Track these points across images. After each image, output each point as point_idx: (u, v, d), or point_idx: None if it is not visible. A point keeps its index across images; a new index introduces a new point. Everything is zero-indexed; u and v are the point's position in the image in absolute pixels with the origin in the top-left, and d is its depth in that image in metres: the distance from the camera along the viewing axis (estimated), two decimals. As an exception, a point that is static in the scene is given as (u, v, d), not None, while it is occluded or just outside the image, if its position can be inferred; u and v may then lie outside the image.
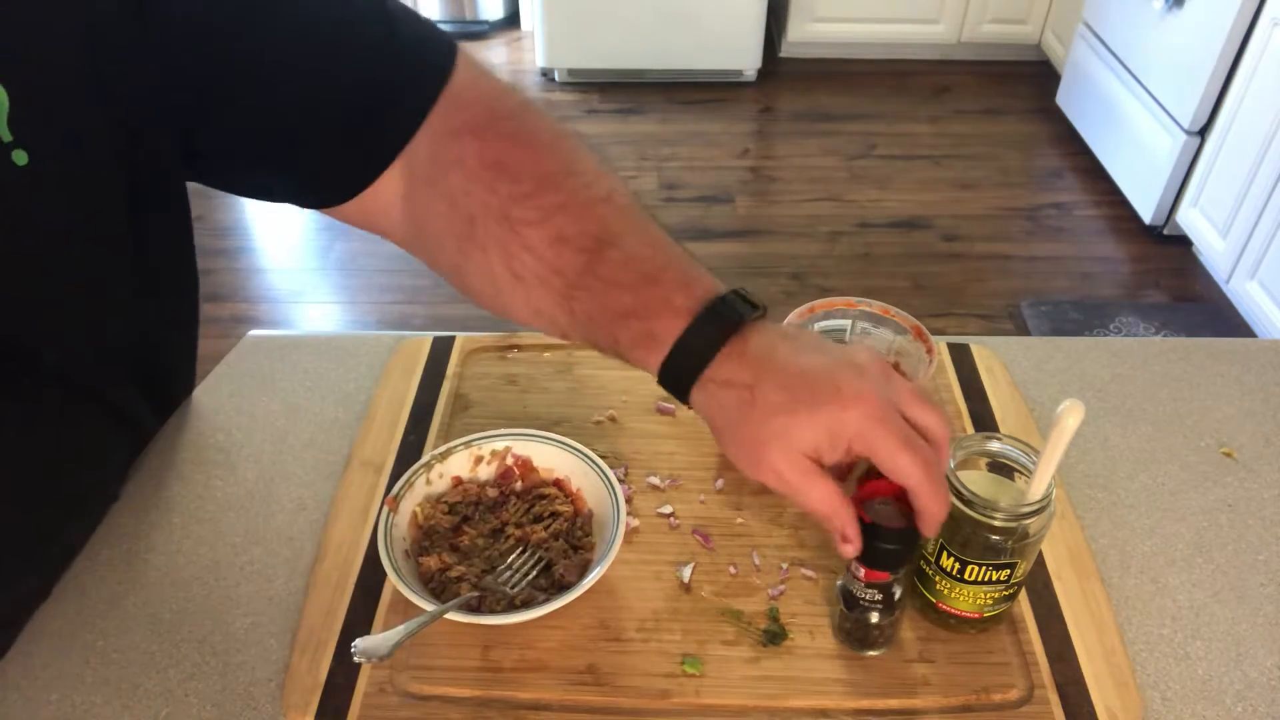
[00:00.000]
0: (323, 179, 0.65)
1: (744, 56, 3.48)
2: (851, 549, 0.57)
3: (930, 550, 0.65)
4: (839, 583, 0.66)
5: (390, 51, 0.62)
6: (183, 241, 0.73)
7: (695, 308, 0.55)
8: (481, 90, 0.64)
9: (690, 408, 0.57)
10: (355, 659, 0.61)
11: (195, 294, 0.78)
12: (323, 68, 0.61)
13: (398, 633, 0.62)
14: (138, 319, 0.69)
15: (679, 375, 0.55)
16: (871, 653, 0.66)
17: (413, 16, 0.64)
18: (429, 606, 0.64)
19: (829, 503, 0.54)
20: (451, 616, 0.65)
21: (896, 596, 0.64)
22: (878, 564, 0.61)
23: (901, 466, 0.53)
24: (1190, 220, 2.59)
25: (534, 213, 0.59)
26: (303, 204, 0.68)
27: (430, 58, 0.63)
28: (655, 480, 0.80)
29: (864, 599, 0.63)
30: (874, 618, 0.64)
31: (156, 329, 0.74)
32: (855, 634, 0.66)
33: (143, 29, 0.56)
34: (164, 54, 0.57)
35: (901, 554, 0.60)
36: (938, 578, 0.65)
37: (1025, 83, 3.56)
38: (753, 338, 0.55)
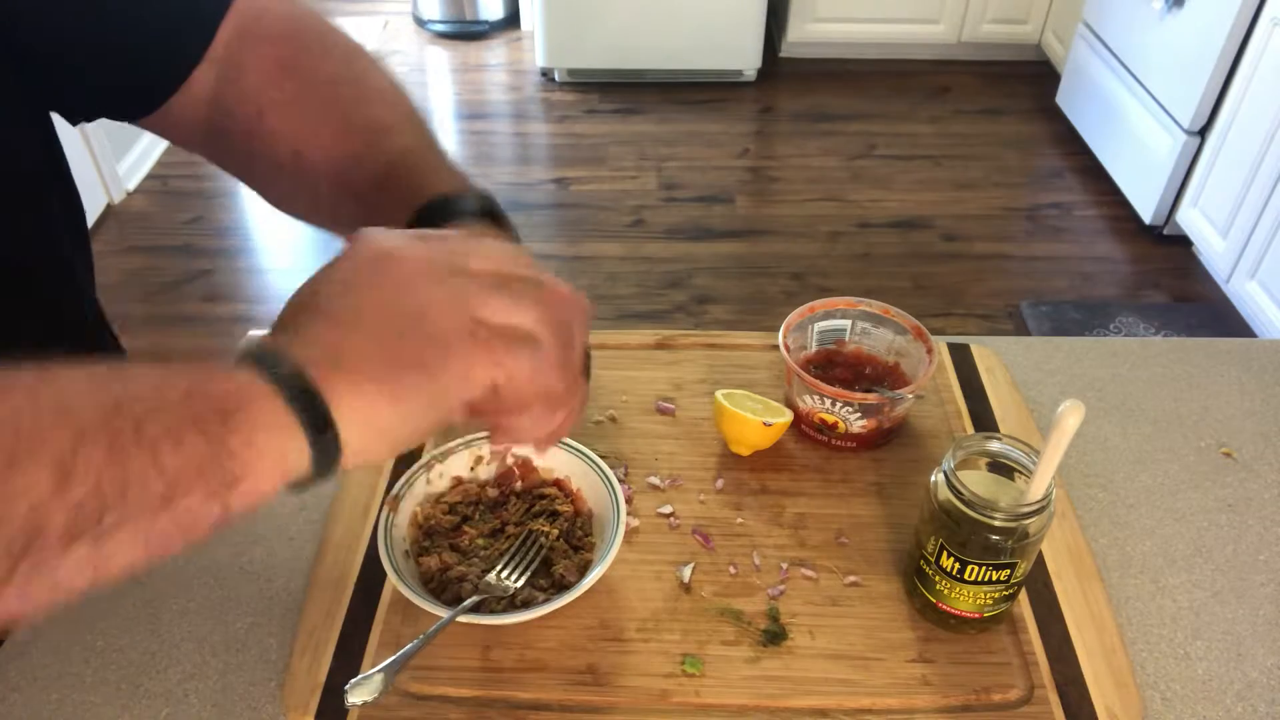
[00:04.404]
0: (131, 87, 0.65)
1: (744, 56, 3.48)
2: None
3: (930, 550, 0.65)
4: None
5: None
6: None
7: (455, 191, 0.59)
8: (286, 9, 0.67)
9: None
10: (348, 705, 0.59)
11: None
12: None
13: (385, 668, 0.60)
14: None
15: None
16: None
17: None
18: (429, 606, 0.64)
19: None
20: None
21: None
22: None
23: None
24: (1190, 220, 2.59)
25: (320, 103, 0.63)
26: (117, 114, 0.67)
27: None
28: (655, 480, 0.80)
29: None
30: None
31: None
32: None
33: None
34: None
35: None
36: (938, 578, 0.65)
37: (1025, 83, 3.56)
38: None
